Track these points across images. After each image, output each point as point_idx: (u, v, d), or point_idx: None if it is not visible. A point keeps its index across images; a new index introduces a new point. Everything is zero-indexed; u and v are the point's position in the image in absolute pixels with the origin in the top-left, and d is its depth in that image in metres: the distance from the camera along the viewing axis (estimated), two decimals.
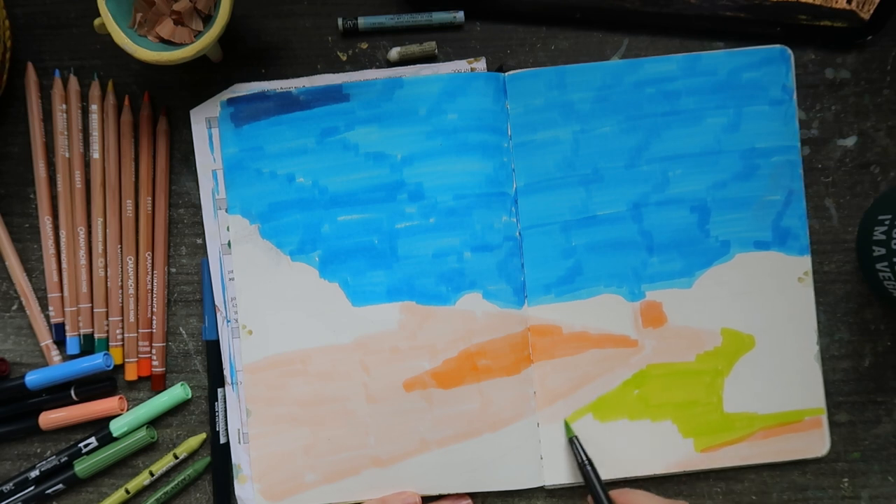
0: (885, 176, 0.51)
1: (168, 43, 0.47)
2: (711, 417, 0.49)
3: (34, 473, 0.49)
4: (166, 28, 0.47)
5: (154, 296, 0.50)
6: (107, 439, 0.49)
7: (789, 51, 0.49)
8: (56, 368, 0.49)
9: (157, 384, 0.50)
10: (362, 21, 0.50)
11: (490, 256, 0.49)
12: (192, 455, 0.50)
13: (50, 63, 0.51)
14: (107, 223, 0.50)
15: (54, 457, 0.50)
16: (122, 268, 0.50)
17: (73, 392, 0.50)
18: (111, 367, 0.50)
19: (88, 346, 0.50)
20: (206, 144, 0.50)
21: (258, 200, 0.49)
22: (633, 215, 0.49)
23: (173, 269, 0.51)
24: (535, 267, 0.49)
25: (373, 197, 0.49)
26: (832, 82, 0.51)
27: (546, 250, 0.49)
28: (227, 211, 0.50)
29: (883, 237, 0.47)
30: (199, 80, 0.51)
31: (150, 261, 0.50)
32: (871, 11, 0.49)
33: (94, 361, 0.49)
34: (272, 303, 0.49)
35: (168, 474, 0.50)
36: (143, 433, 0.49)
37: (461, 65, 0.50)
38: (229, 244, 0.50)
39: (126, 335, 0.50)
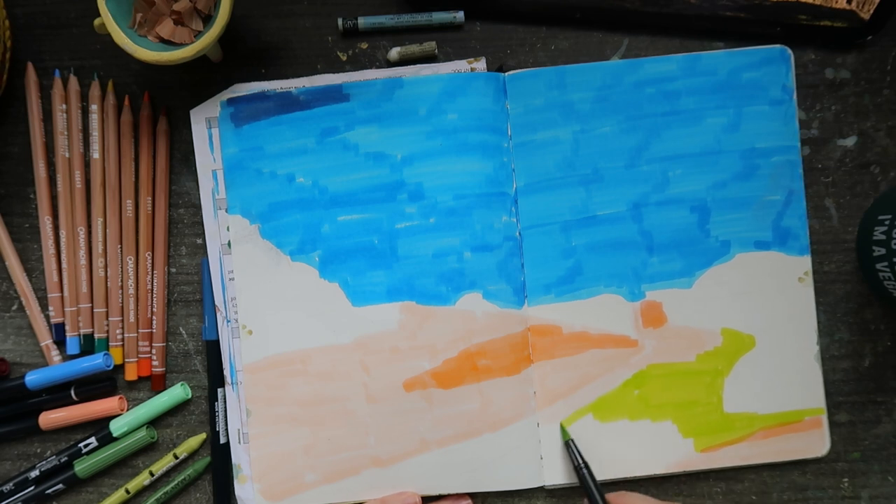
0: (885, 176, 0.51)
1: (168, 43, 0.47)
2: (711, 417, 0.49)
3: (34, 473, 0.49)
4: (166, 28, 0.47)
5: (154, 296, 0.50)
6: (107, 439, 0.49)
7: (789, 51, 0.49)
8: (56, 368, 0.49)
9: (157, 384, 0.50)
10: (362, 21, 0.50)
11: (490, 256, 0.49)
12: (192, 455, 0.50)
13: (50, 63, 0.51)
14: (107, 223, 0.50)
15: (54, 457, 0.50)
16: (122, 268, 0.50)
17: (73, 392, 0.50)
18: (111, 367, 0.50)
19: (88, 346, 0.50)
20: (206, 144, 0.50)
21: (258, 200, 0.49)
22: (633, 215, 0.49)
23: (173, 269, 0.51)
24: (535, 267, 0.49)
25: (373, 197, 0.49)
26: (832, 82, 0.51)
27: (546, 250, 0.49)
28: (227, 211, 0.50)
29: (883, 237, 0.47)
30: (199, 80, 0.51)
31: (150, 261, 0.50)
32: (871, 11, 0.49)
33: (94, 361, 0.49)
34: (272, 303, 0.49)
35: (168, 474, 0.50)
36: (143, 433, 0.49)
37: (461, 65, 0.50)
38: (229, 244, 0.50)
39: (126, 335, 0.50)
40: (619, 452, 0.49)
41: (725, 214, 0.49)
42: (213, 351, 0.50)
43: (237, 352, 0.49)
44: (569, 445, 0.48)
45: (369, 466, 0.49)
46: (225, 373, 0.50)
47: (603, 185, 0.49)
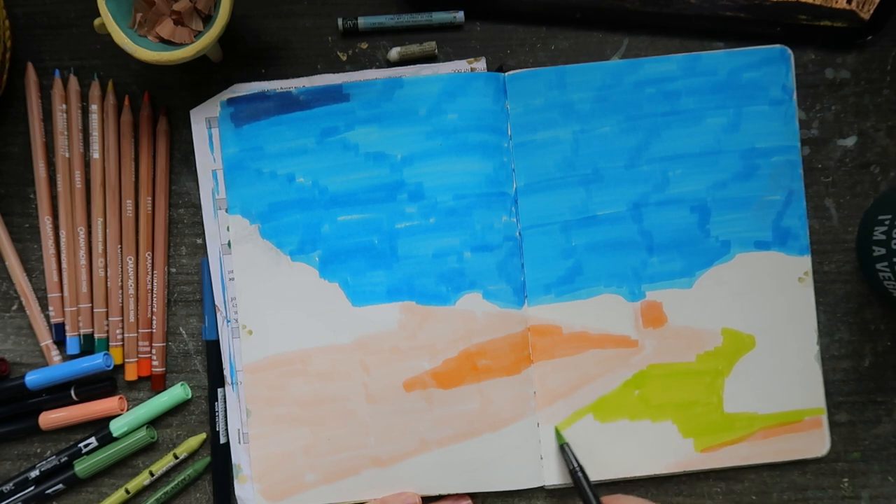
0: (885, 176, 0.51)
1: (168, 43, 0.47)
2: (712, 417, 0.49)
3: (34, 473, 0.49)
4: (166, 28, 0.47)
5: (154, 296, 0.50)
6: (107, 439, 0.49)
7: (789, 51, 0.49)
8: (56, 368, 0.49)
9: (157, 384, 0.50)
10: (362, 21, 0.50)
11: (490, 256, 0.49)
12: (192, 455, 0.50)
13: (50, 63, 0.51)
14: (107, 223, 0.50)
15: (54, 457, 0.50)
16: (122, 268, 0.50)
17: (73, 392, 0.50)
18: (111, 367, 0.50)
19: (88, 346, 0.50)
20: (206, 144, 0.50)
21: (258, 200, 0.49)
22: (634, 215, 0.49)
23: (173, 269, 0.51)
24: (535, 267, 0.49)
25: (373, 197, 0.49)
26: (832, 82, 0.51)
27: (546, 250, 0.49)
28: (227, 211, 0.50)
29: (883, 237, 0.47)
30: (199, 80, 0.51)
31: (150, 261, 0.50)
32: (871, 11, 0.49)
33: (94, 361, 0.49)
34: (272, 303, 0.49)
35: (168, 474, 0.50)
36: (143, 433, 0.49)
37: (461, 65, 0.50)
38: (229, 244, 0.50)
39: (126, 335, 0.50)
40: (620, 452, 0.49)
41: (725, 214, 0.49)
42: (213, 351, 0.50)
43: (237, 352, 0.49)
44: (564, 449, 0.48)
45: (369, 466, 0.49)
46: (225, 373, 0.50)
47: (603, 185, 0.49)
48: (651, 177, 0.49)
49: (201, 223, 0.51)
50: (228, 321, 0.50)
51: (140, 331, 0.50)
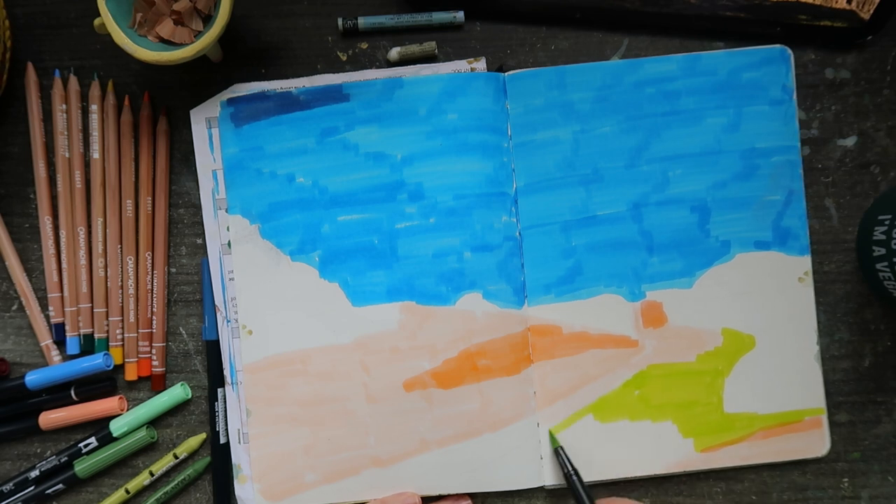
0: (885, 176, 0.51)
1: (168, 43, 0.47)
2: (712, 417, 0.49)
3: (34, 473, 0.49)
4: (166, 28, 0.47)
5: (154, 296, 0.50)
6: (107, 439, 0.49)
7: (789, 51, 0.49)
8: (56, 368, 0.49)
9: (157, 384, 0.50)
10: (362, 21, 0.50)
11: (490, 256, 0.49)
12: (192, 455, 0.50)
13: (50, 63, 0.51)
14: (107, 223, 0.50)
15: (54, 457, 0.50)
16: (122, 268, 0.50)
17: (73, 392, 0.50)
18: (111, 367, 0.50)
19: (88, 346, 0.50)
20: (206, 144, 0.50)
21: (258, 200, 0.49)
22: (634, 215, 0.49)
23: (173, 269, 0.51)
24: (535, 267, 0.49)
25: (373, 197, 0.49)
26: (832, 82, 0.51)
27: (546, 250, 0.49)
28: (227, 211, 0.50)
29: (883, 237, 0.47)
30: (199, 80, 0.51)
31: (150, 261, 0.50)
32: (871, 11, 0.49)
33: (94, 361, 0.49)
34: (272, 303, 0.49)
35: (168, 474, 0.50)
36: (143, 433, 0.49)
37: (461, 65, 0.50)
38: (229, 244, 0.50)
39: (126, 335, 0.50)
40: (620, 453, 0.49)
41: (725, 214, 0.49)
42: (213, 351, 0.50)
43: (237, 352, 0.49)
44: (558, 453, 0.48)
45: (369, 466, 0.49)
46: (225, 373, 0.50)
47: (603, 185, 0.49)
48: (651, 177, 0.49)
49: (201, 223, 0.51)
50: (228, 321, 0.50)
51: (140, 331, 0.50)
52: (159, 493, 0.49)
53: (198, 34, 0.47)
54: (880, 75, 0.50)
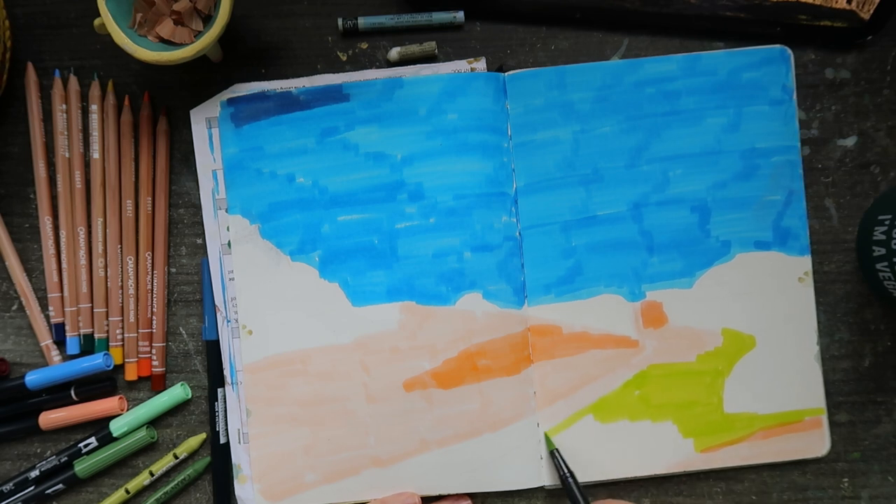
0: (885, 176, 0.51)
1: (168, 43, 0.47)
2: (712, 418, 0.49)
3: (34, 473, 0.49)
4: (166, 28, 0.47)
5: (154, 296, 0.50)
6: (107, 439, 0.49)
7: (789, 51, 0.49)
8: (56, 368, 0.49)
9: (157, 384, 0.50)
10: (362, 21, 0.50)
11: (490, 256, 0.49)
12: (192, 455, 0.50)
13: (50, 63, 0.51)
14: (107, 223, 0.50)
15: (54, 457, 0.50)
16: (122, 268, 0.50)
17: (73, 392, 0.50)
18: (111, 367, 0.50)
19: (88, 346, 0.50)
20: (206, 144, 0.50)
21: (258, 200, 0.49)
22: (634, 215, 0.49)
23: (173, 269, 0.51)
24: (535, 267, 0.49)
25: (373, 197, 0.49)
26: (832, 82, 0.51)
27: (546, 250, 0.49)
28: (227, 211, 0.50)
29: (883, 237, 0.47)
30: (199, 80, 0.51)
31: (150, 261, 0.50)
32: (871, 11, 0.49)
33: (94, 361, 0.49)
34: (272, 303, 0.49)
35: (168, 474, 0.50)
36: (143, 433, 0.49)
37: (461, 65, 0.50)
38: (229, 244, 0.50)
39: (126, 335, 0.50)
40: (620, 453, 0.49)
41: (726, 214, 0.49)
42: (213, 351, 0.50)
43: (237, 352, 0.49)
44: (554, 455, 0.48)
45: (369, 466, 0.49)
46: (225, 373, 0.50)
47: (603, 185, 0.49)
48: (651, 177, 0.49)
49: (201, 223, 0.51)
50: (228, 321, 0.50)
51: (140, 331, 0.50)
52: (159, 493, 0.49)
53: (198, 34, 0.47)
54: (880, 75, 0.50)
